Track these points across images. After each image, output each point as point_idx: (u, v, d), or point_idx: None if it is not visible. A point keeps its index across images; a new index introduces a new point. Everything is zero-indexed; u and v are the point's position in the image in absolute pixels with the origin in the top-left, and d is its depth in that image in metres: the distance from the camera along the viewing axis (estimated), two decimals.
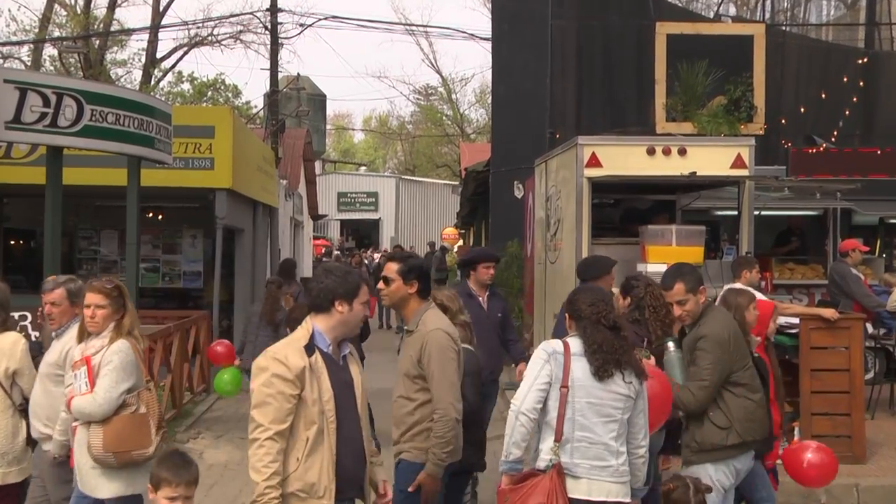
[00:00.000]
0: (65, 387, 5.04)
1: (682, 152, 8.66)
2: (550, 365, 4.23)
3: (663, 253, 8.15)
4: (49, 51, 26.24)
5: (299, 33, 52.00)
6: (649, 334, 5.58)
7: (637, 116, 14.68)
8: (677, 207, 10.05)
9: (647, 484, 4.55)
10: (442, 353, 4.57)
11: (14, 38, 25.47)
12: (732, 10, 21.72)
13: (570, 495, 4.16)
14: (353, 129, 66.88)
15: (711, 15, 17.86)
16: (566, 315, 4.46)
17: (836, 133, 14.61)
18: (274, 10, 21.19)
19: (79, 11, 25.40)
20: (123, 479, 4.86)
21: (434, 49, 70.81)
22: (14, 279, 11.37)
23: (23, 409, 5.40)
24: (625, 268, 8.06)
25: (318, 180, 33.18)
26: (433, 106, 50.67)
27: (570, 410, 4.18)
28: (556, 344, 4.31)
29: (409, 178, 49.15)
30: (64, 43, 24.65)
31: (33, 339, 7.36)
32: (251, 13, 23.39)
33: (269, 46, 21.84)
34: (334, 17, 35.20)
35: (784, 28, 17.11)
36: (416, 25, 46.37)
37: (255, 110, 27.36)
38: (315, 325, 3.91)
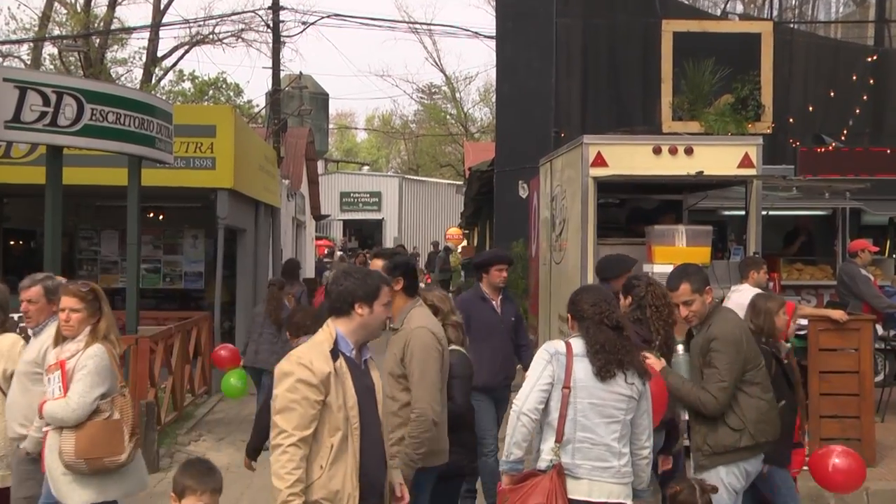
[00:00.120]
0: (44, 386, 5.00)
1: (689, 152, 8.65)
2: (552, 366, 4.25)
3: (670, 253, 8.14)
4: (49, 49, 26.31)
5: (301, 31, 51.81)
6: (651, 334, 5.58)
7: (643, 115, 14.67)
8: (684, 207, 10.04)
9: (651, 485, 4.56)
10: (424, 352, 4.55)
11: (14, 37, 25.53)
12: (740, 8, 21.68)
13: (571, 496, 4.17)
14: (356, 129, 66.98)
15: (718, 12, 17.82)
16: (569, 315, 4.46)
17: (845, 132, 14.59)
18: (276, 7, 21.21)
19: (79, 9, 25.43)
20: (95, 487, 4.82)
21: (438, 47, 71.07)
22: (14, 280, 11.35)
23: None
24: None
25: (320, 180, 33.17)
26: (437, 105, 50.67)
27: (572, 411, 4.20)
28: (559, 345, 4.33)
29: (412, 177, 49.15)
30: (64, 41, 24.69)
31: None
32: (253, 11, 23.48)
33: (270, 45, 21.86)
34: (337, 15, 35.12)
35: (792, 25, 17.08)
36: (420, 23, 46.31)
37: (256, 109, 27.39)
38: (337, 328, 3.86)
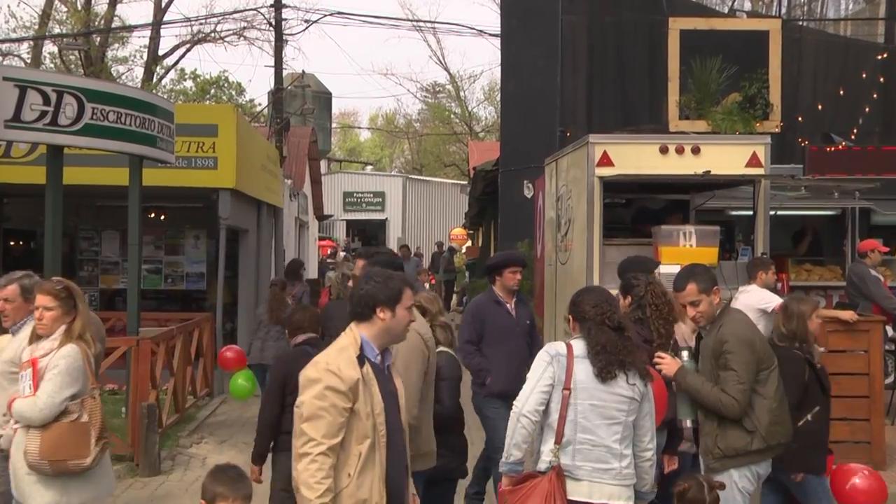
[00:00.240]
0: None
1: (696, 151, 8.65)
2: (553, 367, 4.27)
3: (676, 254, 8.14)
4: (49, 48, 26.36)
5: (304, 30, 51.91)
6: (651, 333, 5.60)
7: (650, 114, 14.67)
8: (691, 207, 10.04)
9: (655, 487, 4.56)
10: (407, 353, 4.53)
11: (14, 35, 25.58)
12: (747, 5, 21.70)
13: (571, 497, 4.20)
14: (360, 128, 67.03)
15: (726, 10, 17.84)
16: (570, 317, 4.47)
17: (854, 131, 14.58)
18: (278, 6, 21.23)
19: (79, 8, 25.48)
20: (58, 489, 4.79)
21: (442, 45, 71.30)
22: None
23: None
24: None
25: (323, 180, 33.20)
26: (441, 104, 50.70)
27: (573, 413, 4.22)
28: (559, 346, 4.36)
29: (416, 177, 49.17)
30: (64, 40, 24.70)
31: None
32: (255, 9, 23.45)
33: (273, 43, 21.87)
34: (340, 13, 35.22)
35: (801, 23, 17.07)
36: (424, 21, 46.47)
37: (259, 108, 27.41)
38: (361, 333, 3.83)
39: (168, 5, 26.79)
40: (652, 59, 15.04)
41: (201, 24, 26.38)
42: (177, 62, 27.76)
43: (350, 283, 4.78)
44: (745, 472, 4.96)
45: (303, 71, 27.30)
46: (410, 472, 4.10)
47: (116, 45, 27.25)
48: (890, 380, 10.21)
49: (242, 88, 27.45)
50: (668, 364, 5.05)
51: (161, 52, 27.03)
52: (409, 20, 44.28)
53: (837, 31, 18.22)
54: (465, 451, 5.39)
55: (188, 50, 27.12)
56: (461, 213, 38.26)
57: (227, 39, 26.45)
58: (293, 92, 26.17)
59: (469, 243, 35.22)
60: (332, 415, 3.63)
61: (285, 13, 21.55)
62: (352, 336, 3.83)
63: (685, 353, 5.19)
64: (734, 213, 11.68)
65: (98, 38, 25.64)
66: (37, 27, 25.24)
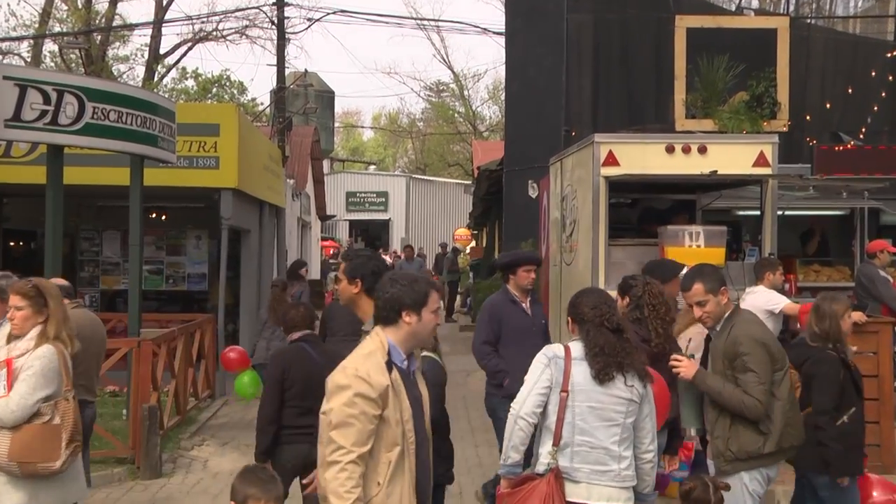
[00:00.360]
0: None
1: (703, 150, 8.65)
2: (551, 369, 4.31)
3: (683, 254, 8.12)
4: (49, 46, 26.40)
5: (307, 28, 51.90)
6: (650, 333, 5.62)
7: (656, 113, 14.66)
8: (697, 207, 10.04)
9: (656, 488, 4.57)
10: None
11: (14, 34, 25.62)
12: (755, 3, 21.69)
13: (570, 499, 4.22)
14: (363, 127, 67.05)
15: (733, 8, 17.82)
16: (569, 318, 4.49)
17: (863, 129, 14.55)
18: (280, 4, 21.24)
19: (80, 6, 25.51)
20: (28, 491, 4.76)
21: (446, 44, 71.22)
22: None
23: None
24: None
25: (326, 179, 33.25)
26: (445, 103, 50.71)
27: (571, 415, 4.24)
28: (557, 348, 4.39)
29: (419, 177, 49.20)
30: (65, 38, 24.75)
31: None
32: (257, 7, 23.32)
33: (275, 42, 21.88)
34: (343, 11, 35.16)
35: (809, 21, 17.07)
36: (428, 20, 46.37)
37: (261, 107, 27.41)
38: (388, 338, 3.80)
39: (169, 3, 26.86)
40: (658, 57, 15.02)
41: (203, 22, 26.43)
42: (178, 61, 27.80)
43: (336, 287, 4.74)
44: (756, 475, 4.95)
45: (305, 70, 27.34)
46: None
47: (117, 44, 27.28)
48: None
49: (244, 87, 27.47)
50: (685, 366, 5.02)
51: (162, 51, 27.06)
52: (412, 18, 44.30)
53: (846, 29, 18.19)
54: (452, 457, 5.40)
55: (190, 48, 27.16)
56: (465, 214, 38.26)
57: (228, 38, 26.48)
58: (296, 91, 26.21)
59: (473, 244, 35.22)
60: (361, 422, 3.59)
61: (288, 11, 21.50)
62: (378, 340, 3.79)
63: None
64: (741, 213, 11.66)
65: (99, 37, 25.67)
66: (37, 26, 25.28)
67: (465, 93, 49.02)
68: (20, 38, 25.59)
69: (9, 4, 51.07)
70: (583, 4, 15.35)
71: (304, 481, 4.99)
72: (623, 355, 4.27)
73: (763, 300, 7.73)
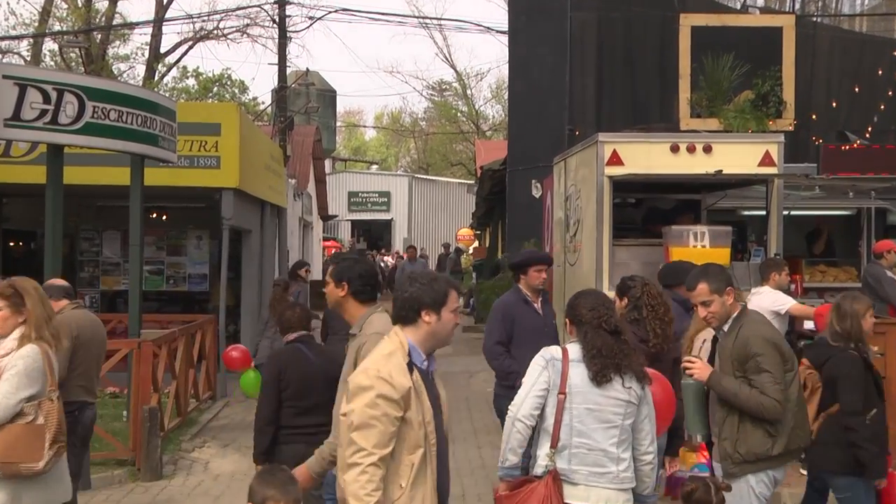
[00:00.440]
0: None
1: (708, 150, 8.65)
2: (548, 371, 4.31)
3: (687, 255, 8.12)
4: (49, 45, 26.40)
5: (308, 27, 51.76)
6: (647, 333, 5.63)
7: (660, 112, 14.67)
8: (702, 207, 10.04)
9: (657, 490, 4.57)
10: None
11: (13, 33, 25.66)
12: (760, 1, 21.65)
13: (568, 501, 4.23)
14: (365, 126, 67.06)
15: (738, 6, 17.80)
16: (567, 320, 4.50)
17: (870, 129, 14.55)
18: (282, 2, 21.26)
19: (80, 4, 25.53)
20: (8, 493, 4.72)
21: (448, 43, 71.05)
22: None
23: None
24: (648, 270, 8.05)
25: (328, 179, 33.27)
26: (447, 102, 50.73)
27: (568, 417, 4.26)
28: (555, 350, 4.40)
29: (422, 176, 49.23)
30: (65, 37, 24.79)
31: None
32: (258, 6, 23.33)
33: (276, 40, 21.92)
34: (344, 9, 35.36)
35: (815, 19, 17.05)
36: (430, 18, 46.43)
37: (262, 107, 27.43)
38: (408, 338, 3.78)
39: (170, 2, 26.99)
40: (662, 56, 15.03)
41: (204, 20, 26.45)
42: (179, 60, 27.81)
43: (325, 290, 4.74)
44: (763, 478, 4.93)
45: (307, 69, 27.36)
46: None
47: (117, 43, 27.29)
48: None
49: (245, 87, 27.42)
50: (700, 368, 4.99)
51: (163, 50, 27.08)
52: (415, 17, 44.26)
53: (852, 27, 18.18)
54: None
55: (190, 47, 27.18)
56: (468, 213, 38.28)
57: (229, 37, 26.49)
58: (297, 90, 26.23)
59: (476, 244, 35.24)
60: (383, 424, 3.57)
61: (289, 10, 21.54)
62: (398, 340, 3.77)
63: None
64: (746, 213, 11.67)
65: (99, 36, 25.70)
66: (37, 24, 25.31)
67: (468, 92, 49.09)
68: (20, 37, 25.63)
69: (8, 3, 51.20)
70: (586, 3, 15.36)
71: None
72: (621, 357, 4.28)
73: (769, 301, 7.72)
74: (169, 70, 27.57)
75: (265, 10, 23.18)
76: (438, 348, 3.92)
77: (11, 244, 16.02)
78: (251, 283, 14.66)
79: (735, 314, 5.04)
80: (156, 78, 26.32)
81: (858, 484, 5.40)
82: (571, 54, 15.30)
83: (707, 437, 5.25)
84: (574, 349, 4.35)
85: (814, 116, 14.69)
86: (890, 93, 14.77)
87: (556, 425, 4.26)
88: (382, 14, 31.20)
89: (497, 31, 43.17)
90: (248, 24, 25.88)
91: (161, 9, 26.67)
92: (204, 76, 26.15)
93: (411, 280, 3.87)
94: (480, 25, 54.97)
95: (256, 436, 5.77)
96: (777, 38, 14.67)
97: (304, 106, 26.14)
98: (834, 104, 14.87)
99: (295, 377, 5.67)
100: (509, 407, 4.42)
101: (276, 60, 21.45)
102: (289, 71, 22.29)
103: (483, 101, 51.22)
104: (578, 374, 4.27)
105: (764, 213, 9.04)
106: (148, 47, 26.76)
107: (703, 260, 6.98)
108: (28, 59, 25.27)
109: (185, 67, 27.64)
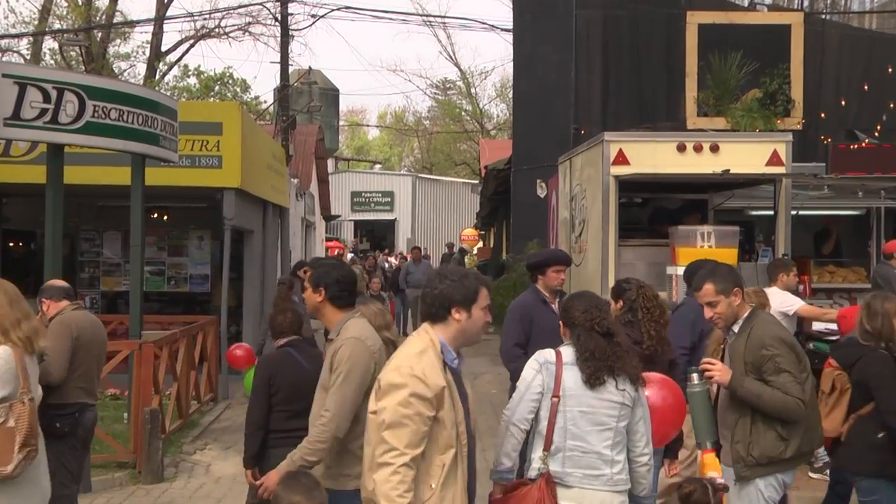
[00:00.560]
0: None
1: (715, 149, 8.65)
2: (542, 375, 4.32)
3: (694, 255, 8.11)
4: (49, 44, 26.48)
5: (311, 25, 51.96)
6: (641, 335, 5.65)
7: (666, 111, 14.67)
8: (709, 207, 10.03)
9: (655, 491, 4.58)
10: (350, 364, 4.38)
11: (13, 31, 25.73)
12: None
13: (562, 503, 4.23)
14: (368, 126, 67.14)
15: (746, 3, 17.79)
16: (560, 322, 4.50)
17: (879, 127, 14.53)
18: (284, 0, 21.29)
19: (80, 2, 25.59)
20: None
21: (452, 41, 71.37)
22: (13, 283, 11.44)
23: None
24: (654, 270, 8.06)
25: (330, 179, 33.28)
26: (451, 101, 50.77)
27: (562, 419, 4.27)
28: (549, 353, 4.40)
29: (426, 176, 49.26)
30: (65, 35, 24.84)
31: None
32: (260, 3, 23.42)
33: (279, 39, 21.96)
34: (347, 7, 35.39)
35: (824, 16, 17.04)
36: (434, 16, 46.52)
37: (264, 106, 27.49)
38: (438, 336, 3.77)
39: (171, 0, 26.91)
40: (669, 54, 15.03)
41: (205, 19, 26.63)
42: (180, 58, 27.89)
43: (304, 293, 4.75)
44: (772, 481, 4.92)
45: (309, 67, 27.42)
46: (338, 488, 4.11)
47: (118, 41, 27.37)
48: None
49: (247, 85, 27.48)
50: (720, 370, 4.96)
51: (164, 48, 27.14)
52: (418, 15, 44.33)
53: (862, 25, 18.16)
54: None
55: (192, 46, 27.24)
56: (472, 213, 38.30)
57: (231, 35, 26.55)
58: (299, 89, 26.28)
59: (480, 244, 35.25)
60: (416, 423, 3.55)
61: (291, 8, 21.61)
62: (428, 338, 3.76)
63: (695, 377, 5.11)
64: (754, 212, 11.66)
65: (99, 34, 25.76)
66: (36, 23, 25.38)
67: (472, 90, 49.12)
68: (20, 36, 25.70)
69: (8, 1, 51.27)
70: (592, 0, 15.36)
71: (257, 482, 4.96)
72: (614, 359, 4.29)
73: (777, 302, 7.71)
74: (170, 69, 27.65)
75: (267, 8, 23.29)
76: (467, 346, 3.91)
77: (11, 244, 16.04)
78: (253, 283, 14.66)
79: (745, 315, 5.04)
80: (157, 77, 26.37)
81: (885, 486, 5.39)
82: (577, 52, 15.30)
83: (717, 444, 5.23)
84: (567, 352, 4.37)
85: (822, 115, 14.69)
86: None
87: (550, 428, 4.27)
88: (386, 12, 31.20)
89: (502, 29, 43.11)
90: (249, 23, 25.96)
91: (162, 7, 26.74)
92: (205, 75, 26.20)
93: (441, 277, 3.85)
94: (485, 23, 54.86)
95: (246, 440, 5.81)
96: (785, 36, 14.66)
97: (306, 105, 26.18)
98: (843, 103, 14.86)
99: (285, 382, 5.68)
100: (503, 411, 4.45)
101: (278, 59, 21.51)
102: (291, 69, 22.33)
103: (487, 100, 51.38)
104: (572, 376, 4.29)
105: (772, 213, 9.03)
106: (149, 46, 26.83)
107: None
108: (28, 57, 25.33)
109: (186, 66, 27.73)
